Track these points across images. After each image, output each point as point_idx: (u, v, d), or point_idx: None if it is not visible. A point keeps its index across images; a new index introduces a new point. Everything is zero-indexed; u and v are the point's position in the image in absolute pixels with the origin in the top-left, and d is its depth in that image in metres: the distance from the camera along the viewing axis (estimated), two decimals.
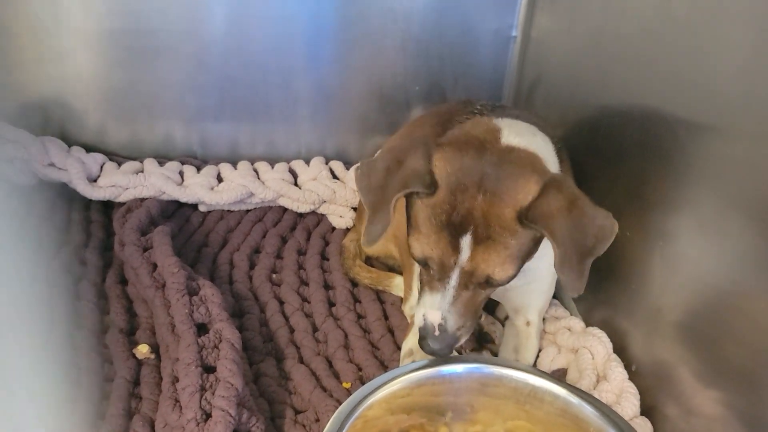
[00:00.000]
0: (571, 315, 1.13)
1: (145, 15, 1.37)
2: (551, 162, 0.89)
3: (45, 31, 1.36)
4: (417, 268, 1.10)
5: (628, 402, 0.91)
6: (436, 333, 0.82)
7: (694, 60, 0.87)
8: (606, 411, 0.83)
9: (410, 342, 1.03)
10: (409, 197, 0.84)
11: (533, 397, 0.87)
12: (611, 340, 1.02)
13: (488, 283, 0.80)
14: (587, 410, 0.84)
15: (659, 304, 0.94)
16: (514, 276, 0.81)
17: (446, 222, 0.78)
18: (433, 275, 0.82)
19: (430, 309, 0.82)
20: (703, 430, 0.86)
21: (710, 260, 0.85)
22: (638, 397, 0.93)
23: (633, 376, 0.97)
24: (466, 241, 0.78)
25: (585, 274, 0.79)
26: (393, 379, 0.85)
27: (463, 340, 0.85)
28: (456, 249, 0.78)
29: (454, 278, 0.80)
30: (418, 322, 0.83)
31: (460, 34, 1.47)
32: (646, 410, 0.94)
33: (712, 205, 0.84)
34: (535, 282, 1.02)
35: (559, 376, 0.79)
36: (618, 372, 0.95)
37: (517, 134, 0.86)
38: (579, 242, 0.77)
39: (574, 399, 0.85)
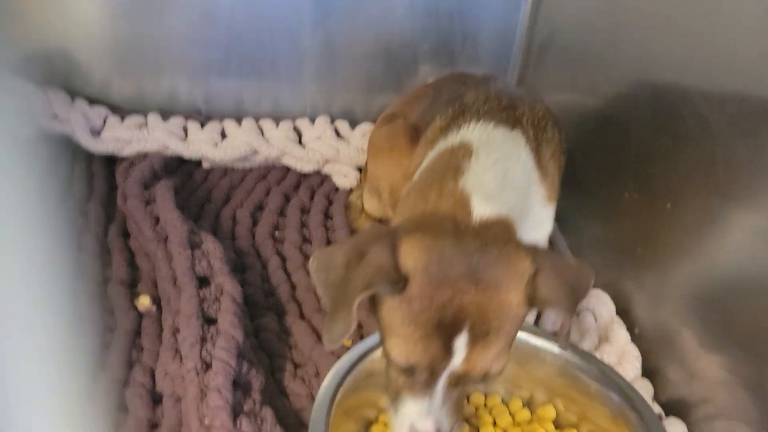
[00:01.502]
0: None
1: None
2: (525, 187, 0.87)
3: None
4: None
5: (629, 364, 0.91)
6: None
7: (711, 20, 0.85)
8: (607, 371, 0.82)
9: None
10: (374, 295, 0.73)
11: (534, 357, 0.87)
12: (615, 303, 1.01)
13: (484, 380, 0.72)
14: (588, 370, 0.84)
15: (665, 268, 0.93)
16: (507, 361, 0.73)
17: (432, 322, 0.67)
18: (417, 380, 0.71)
19: (419, 418, 0.71)
20: (704, 393, 0.86)
21: (718, 225, 0.84)
22: (640, 359, 0.92)
23: (636, 339, 0.96)
24: (461, 342, 0.67)
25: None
26: None
27: None
28: (448, 352, 0.68)
29: (443, 380, 0.70)
30: (404, 428, 0.72)
31: None
32: (648, 373, 0.93)
33: (724, 168, 0.82)
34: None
35: (562, 338, 0.77)
36: (621, 334, 0.95)
37: (487, 196, 0.78)
38: (576, 303, 0.72)
39: (575, 359, 0.85)
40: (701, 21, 0.86)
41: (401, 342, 0.69)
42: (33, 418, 0.80)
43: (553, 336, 0.85)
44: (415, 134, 1.08)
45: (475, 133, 0.89)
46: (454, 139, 0.90)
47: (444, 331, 0.67)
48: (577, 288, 0.71)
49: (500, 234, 0.74)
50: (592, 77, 1.17)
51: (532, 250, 0.71)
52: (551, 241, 1.26)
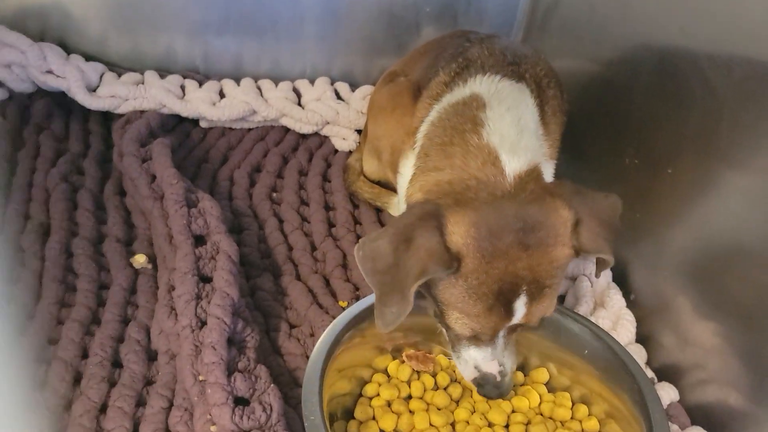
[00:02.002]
0: None
1: None
2: (537, 135, 0.88)
3: None
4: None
5: (624, 329, 0.91)
6: (498, 380, 0.77)
7: (708, 24, 0.83)
8: (601, 334, 0.83)
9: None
10: (440, 287, 0.75)
11: None
12: (611, 270, 1.01)
13: (539, 323, 0.76)
14: (582, 333, 0.84)
15: (663, 234, 0.93)
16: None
17: (492, 294, 0.71)
18: (481, 337, 0.76)
19: (484, 362, 0.77)
20: (697, 359, 0.87)
21: (719, 191, 0.83)
22: (634, 324, 0.93)
23: (631, 305, 0.96)
24: (520, 303, 0.72)
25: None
26: None
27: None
28: (509, 314, 0.72)
29: (502, 333, 0.76)
30: (470, 375, 0.79)
31: None
32: (642, 339, 0.94)
33: (728, 134, 0.81)
34: None
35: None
36: (616, 299, 0.95)
37: (511, 147, 0.80)
38: (613, 235, 0.76)
39: (568, 322, 0.85)
40: None
41: (463, 316, 0.74)
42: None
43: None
44: (417, 92, 1.07)
45: (483, 85, 0.90)
46: (462, 92, 0.90)
47: (504, 299, 0.71)
48: (613, 224, 0.76)
49: (535, 188, 0.76)
50: (596, 42, 1.15)
51: (567, 196, 0.74)
52: None
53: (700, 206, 0.86)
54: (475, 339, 0.76)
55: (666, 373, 0.89)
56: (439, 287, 0.74)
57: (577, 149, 1.18)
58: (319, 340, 0.78)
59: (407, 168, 0.93)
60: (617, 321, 0.92)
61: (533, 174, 0.79)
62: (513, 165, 0.78)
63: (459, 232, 0.71)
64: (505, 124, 0.83)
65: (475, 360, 0.77)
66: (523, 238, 0.70)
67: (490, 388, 0.78)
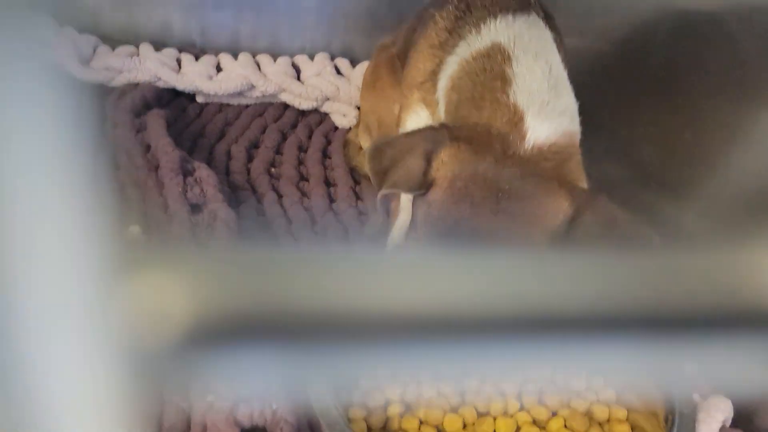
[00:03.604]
0: None
1: None
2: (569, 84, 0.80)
3: None
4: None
5: None
6: None
7: None
8: None
9: (394, 237, 0.99)
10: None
11: None
12: None
13: None
14: None
15: (683, 202, 0.90)
16: None
17: (443, 233, 0.66)
18: None
19: None
20: None
21: (743, 155, 0.80)
22: None
23: None
24: None
25: None
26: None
27: None
28: None
29: None
30: None
31: None
32: None
33: (753, 93, 0.78)
34: None
35: None
36: None
37: (541, 109, 0.72)
38: None
39: None
40: None
41: (416, 240, 0.71)
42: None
43: None
44: (397, 64, 1.06)
45: (500, 31, 0.82)
46: (481, 42, 0.83)
47: (449, 246, 0.65)
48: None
49: (550, 166, 0.69)
50: (606, 9, 1.12)
51: (579, 194, 0.66)
52: None
53: (724, 170, 0.82)
54: None
55: None
56: (415, 206, 0.72)
57: (588, 122, 1.15)
58: None
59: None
60: None
61: (560, 150, 0.71)
62: (537, 132, 0.71)
63: (446, 163, 0.68)
64: (535, 79, 0.76)
65: None
66: (500, 200, 0.65)
67: None
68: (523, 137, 0.71)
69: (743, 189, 0.81)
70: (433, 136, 0.71)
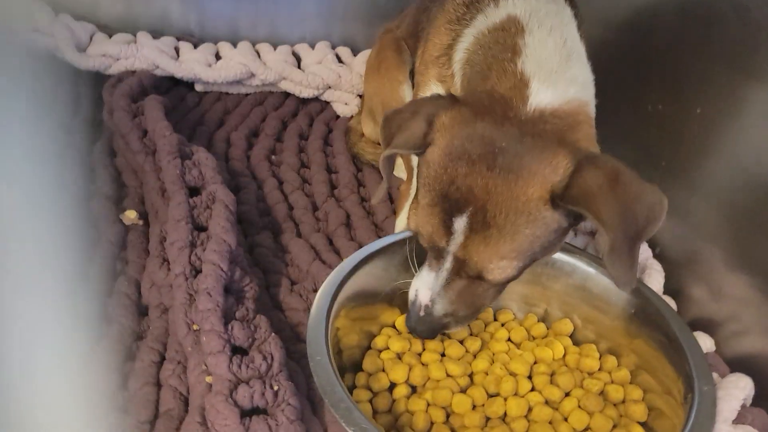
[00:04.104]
0: None
1: None
2: (586, 60, 0.78)
3: None
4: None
5: (652, 279, 0.85)
6: (421, 314, 0.70)
7: None
8: None
9: (405, 219, 0.96)
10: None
11: (551, 267, 0.80)
12: None
13: (481, 279, 0.67)
14: (607, 282, 0.77)
15: (692, 180, 0.87)
16: (515, 277, 0.68)
17: (439, 192, 0.65)
18: (431, 254, 0.70)
19: (423, 287, 0.70)
20: (731, 311, 0.81)
21: (755, 129, 0.77)
22: (663, 274, 0.86)
23: (656, 258, 0.90)
24: (459, 224, 0.64)
25: (636, 262, 0.64)
26: (403, 240, 0.78)
27: (453, 329, 0.74)
28: (448, 230, 0.65)
29: (448, 262, 0.67)
30: (411, 295, 0.72)
31: None
32: (670, 292, 0.87)
33: (765, 63, 0.75)
34: None
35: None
36: (642, 249, 0.88)
37: (548, 77, 0.70)
38: (628, 225, 0.61)
39: (592, 269, 0.79)
40: None
41: (417, 207, 0.68)
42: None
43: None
44: (402, 45, 1.03)
45: (517, 4, 0.80)
46: (497, 14, 0.81)
47: (446, 206, 0.65)
48: (634, 208, 0.61)
49: (551, 129, 0.66)
50: None
51: (580, 152, 0.63)
52: None
53: (735, 145, 0.80)
54: (430, 257, 0.70)
55: (698, 326, 0.82)
56: (418, 169, 0.70)
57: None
58: (325, 282, 0.72)
59: None
60: (644, 271, 0.86)
61: (566, 115, 0.68)
62: (540, 97, 0.69)
63: (445, 123, 0.67)
64: (546, 51, 0.74)
65: (420, 282, 0.71)
66: (496, 157, 0.63)
67: (410, 317, 0.71)
68: (525, 101, 0.69)
69: (750, 172, 0.78)
70: (437, 101, 0.70)
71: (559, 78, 0.71)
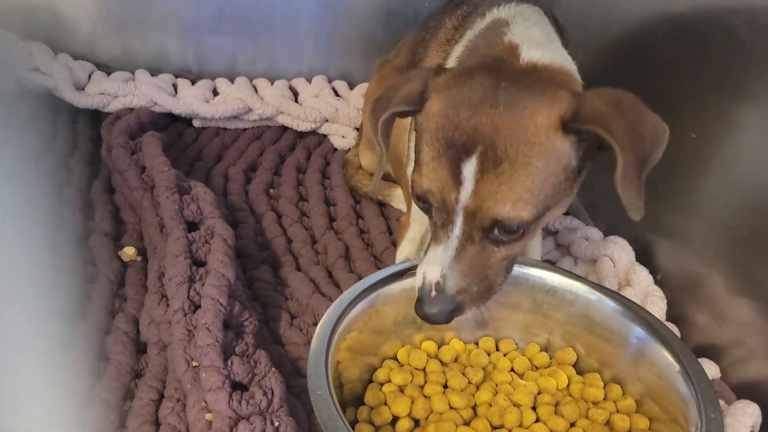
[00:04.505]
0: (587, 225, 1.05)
1: None
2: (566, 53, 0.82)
3: None
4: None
5: (654, 305, 0.84)
6: (432, 293, 0.65)
7: None
8: (631, 306, 0.75)
9: (406, 249, 0.96)
10: (415, 135, 0.72)
11: (552, 296, 0.80)
12: (633, 248, 0.95)
13: (495, 228, 0.64)
14: (610, 309, 0.76)
15: (689, 205, 0.87)
16: (531, 222, 0.64)
17: (445, 142, 0.64)
18: (437, 222, 0.67)
19: (430, 264, 0.66)
20: (735, 336, 0.80)
21: (751, 152, 0.77)
22: (665, 300, 0.86)
23: (658, 285, 0.90)
24: (469, 169, 0.62)
25: (643, 190, 0.63)
26: (405, 270, 0.78)
27: (467, 311, 0.68)
28: (457, 179, 0.63)
29: (458, 224, 0.64)
30: (418, 280, 0.68)
31: None
32: (673, 319, 0.87)
33: (757, 87, 0.76)
34: None
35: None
36: (642, 276, 0.88)
37: (537, 45, 0.74)
38: (637, 147, 0.61)
39: (594, 296, 0.78)
40: None
41: (420, 168, 0.66)
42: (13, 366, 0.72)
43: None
44: (405, 71, 1.05)
45: (503, 11, 0.86)
46: (483, 22, 0.86)
47: (452, 153, 0.63)
48: (641, 130, 0.62)
49: (547, 75, 0.69)
50: (602, 18, 1.11)
51: (579, 88, 0.67)
52: None
53: (731, 170, 0.80)
54: (435, 228, 0.68)
55: (703, 352, 0.82)
56: (415, 135, 0.69)
57: None
58: (325, 315, 0.71)
59: None
60: (646, 298, 0.86)
61: (556, 69, 0.71)
62: (531, 53, 0.73)
63: (440, 81, 0.67)
64: (531, 32, 0.78)
65: (425, 263, 0.67)
66: (498, 96, 0.63)
67: (422, 301, 0.66)
68: (517, 57, 0.72)
69: (747, 195, 0.78)
70: (428, 69, 0.71)
71: (544, 47, 0.75)
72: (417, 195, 0.68)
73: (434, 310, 0.66)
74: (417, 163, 0.67)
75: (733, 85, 0.78)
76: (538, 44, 0.74)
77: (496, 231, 0.65)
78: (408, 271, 0.78)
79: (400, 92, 0.68)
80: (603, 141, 0.62)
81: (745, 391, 0.75)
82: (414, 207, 0.98)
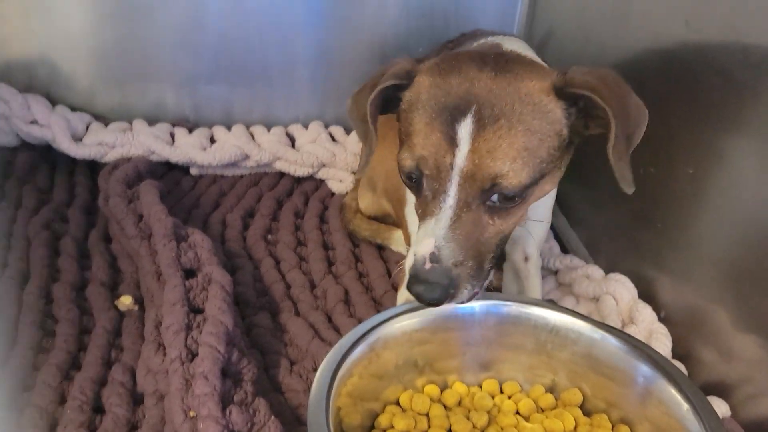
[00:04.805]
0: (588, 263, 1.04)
1: None
2: None
3: None
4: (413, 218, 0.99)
5: (659, 343, 0.83)
6: (427, 266, 0.62)
7: (714, 12, 0.81)
8: (636, 344, 0.74)
9: (406, 291, 0.94)
10: (401, 121, 0.74)
11: (555, 335, 0.78)
12: (636, 286, 0.94)
13: (495, 190, 0.63)
14: (614, 348, 0.75)
15: (690, 241, 0.86)
16: (528, 186, 0.64)
17: (437, 107, 0.64)
18: (427, 195, 0.66)
19: (423, 238, 0.64)
20: (744, 373, 0.78)
21: (750, 186, 0.77)
22: (670, 338, 0.85)
23: (662, 322, 0.88)
24: (464, 129, 0.62)
25: (629, 167, 0.66)
26: (405, 312, 0.77)
27: (464, 293, 0.66)
28: (452, 141, 0.62)
29: (452, 190, 0.63)
30: (408, 260, 0.66)
31: None
32: (679, 357, 0.85)
33: (752, 122, 0.76)
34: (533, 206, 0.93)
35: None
36: (646, 313, 0.87)
37: (523, 49, 0.82)
38: (625, 119, 0.64)
39: (597, 335, 0.77)
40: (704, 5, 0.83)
41: (409, 139, 0.67)
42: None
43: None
44: None
45: (491, 38, 0.93)
46: (472, 43, 0.94)
47: (446, 116, 0.64)
48: (627, 105, 0.66)
49: (531, 62, 0.72)
50: (595, 56, 1.12)
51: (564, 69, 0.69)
52: (560, 236, 1.19)
53: (729, 202, 0.80)
54: (425, 201, 0.66)
55: (711, 391, 0.80)
56: (401, 118, 0.70)
57: (583, 172, 1.13)
58: (325, 360, 0.70)
59: None
60: (650, 336, 0.84)
61: (541, 67, 0.73)
62: (513, 47, 0.78)
63: (426, 64, 0.70)
64: (517, 45, 0.85)
65: (416, 241, 0.65)
66: (489, 64, 0.66)
67: (415, 276, 0.63)
68: (499, 47, 0.79)
69: (746, 229, 0.78)
70: (412, 58, 0.74)
71: (527, 52, 0.83)
72: (407, 169, 0.67)
73: (428, 287, 0.63)
74: (405, 138, 0.68)
75: (728, 120, 0.78)
76: (519, 48, 0.82)
77: (495, 197, 0.65)
78: (408, 313, 0.77)
79: (386, 74, 0.70)
80: (590, 118, 0.66)
81: (756, 429, 0.74)
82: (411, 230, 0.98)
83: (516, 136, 0.63)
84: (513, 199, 0.65)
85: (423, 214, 0.67)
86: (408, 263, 0.66)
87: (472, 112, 0.63)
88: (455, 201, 0.64)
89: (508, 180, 0.63)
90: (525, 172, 0.63)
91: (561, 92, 0.65)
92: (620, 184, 0.66)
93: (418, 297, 0.65)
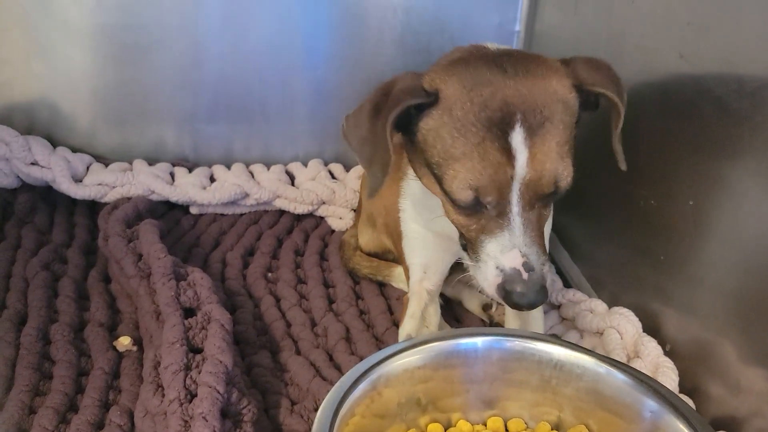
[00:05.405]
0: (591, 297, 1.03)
1: (137, 10, 1.32)
2: None
3: (32, 26, 1.30)
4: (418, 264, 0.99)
5: (665, 377, 0.81)
6: (525, 276, 0.64)
7: (707, 44, 0.82)
8: (643, 378, 0.73)
9: (407, 326, 0.93)
10: (408, 151, 0.74)
11: (560, 371, 0.77)
12: (639, 320, 0.93)
13: (556, 191, 0.66)
14: (620, 382, 0.74)
15: (694, 273, 0.86)
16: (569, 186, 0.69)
17: (481, 123, 0.63)
18: (490, 212, 0.66)
19: (502, 254, 0.65)
20: (755, 407, 0.77)
21: (746, 222, 0.77)
22: (676, 372, 0.83)
23: (668, 356, 0.87)
24: (518, 139, 0.63)
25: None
26: (406, 349, 0.76)
27: (550, 279, 0.70)
28: (509, 153, 0.63)
29: (515, 200, 0.65)
30: (493, 281, 0.66)
31: (462, 29, 1.42)
32: (685, 392, 0.84)
33: (752, 150, 0.76)
34: None
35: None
36: (651, 347, 0.86)
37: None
38: (621, 90, 0.73)
39: (602, 369, 0.75)
40: (698, 45, 0.84)
41: (457, 164, 0.65)
42: None
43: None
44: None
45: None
46: None
47: (497, 130, 0.63)
48: (622, 93, 0.72)
49: (534, 56, 0.74)
50: None
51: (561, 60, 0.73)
52: (563, 271, 1.18)
53: (732, 233, 0.79)
54: (486, 223, 0.66)
55: (721, 425, 0.78)
56: (429, 141, 0.68)
57: (585, 206, 1.13)
58: (326, 399, 0.68)
59: None
60: (656, 370, 0.83)
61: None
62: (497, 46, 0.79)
63: (436, 74, 0.69)
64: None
65: (495, 256, 0.65)
66: (510, 68, 0.66)
67: (517, 290, 0.64)
68: (486, 47, 0.77)
69: (750, 260, 0.77)
70: (406, 72, 0.73)
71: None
72: (464, 202, 0.66)
73: (534, 291, 0.65)
74: (443, 163, 0.66)
75: (726, 150, 0.79)
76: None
77: (555, 190, 0.67)
78: (410, 350, 0.76)
79: (395, 93, 0.68)
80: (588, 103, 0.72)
81: None
82: (412, 281, 0.96)
83: (560, 136, 0.66)
84: (564, 189, 0.69)
85: (487, 229, 0.68)
86: (491, 281, 0.68)
87: (520, 119, 0.64)
88: (520, 208, 0.66)
89: (565, 179, 0.67)
90: (572, 166, 0.67)
91: (578, 89, 0.70)
92: (619, 162, 0.76)
93: (525, 306, 0.67)
